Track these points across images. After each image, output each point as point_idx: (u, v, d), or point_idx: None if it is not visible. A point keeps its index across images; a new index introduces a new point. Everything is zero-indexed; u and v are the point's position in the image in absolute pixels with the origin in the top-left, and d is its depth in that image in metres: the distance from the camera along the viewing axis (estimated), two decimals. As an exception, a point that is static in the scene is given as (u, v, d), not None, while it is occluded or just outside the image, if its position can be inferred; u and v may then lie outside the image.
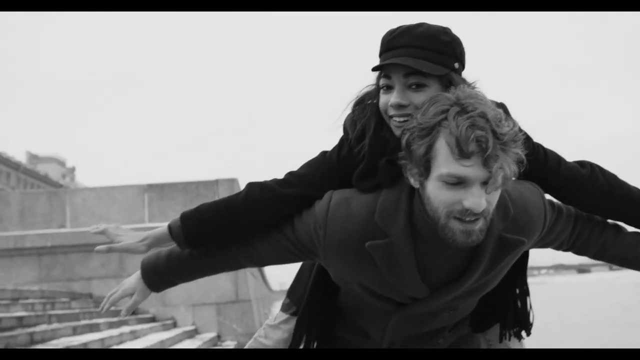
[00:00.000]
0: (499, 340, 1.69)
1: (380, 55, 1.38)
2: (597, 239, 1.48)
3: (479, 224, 1.20)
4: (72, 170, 71.09)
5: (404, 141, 1.23)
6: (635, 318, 15.11)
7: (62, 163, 67.39)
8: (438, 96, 1.21)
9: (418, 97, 1.29)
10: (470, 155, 1.12)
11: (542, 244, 1.46)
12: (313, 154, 1.52)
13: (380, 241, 1.30)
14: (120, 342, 6.18)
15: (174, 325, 9.13)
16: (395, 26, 1.37)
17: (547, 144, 1.48)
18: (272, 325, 1.92)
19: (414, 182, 1.25)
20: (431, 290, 1.38)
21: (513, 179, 1.25)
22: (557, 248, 1.51)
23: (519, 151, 1.19)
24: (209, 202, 1.57)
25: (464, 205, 1.16)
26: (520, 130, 1.26)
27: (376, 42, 1.39)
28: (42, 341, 4.96)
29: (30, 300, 6.52)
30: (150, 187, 9.76)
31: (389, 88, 1.34)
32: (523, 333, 1.69)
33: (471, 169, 1.14)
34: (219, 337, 9.17)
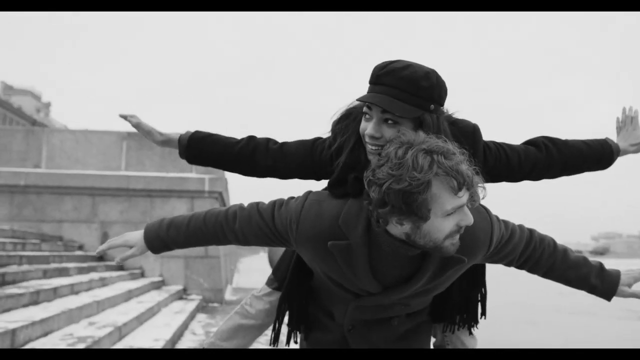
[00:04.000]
0: (451, 332, 1.97)
1: (370, 82, 1.55)
2: (546, 261, 1.68)
3: (458, 235, 1.42)
4: (48, 105, 69.42)
5: (384, 196, 1.34)
6: (571, 305, 15.68)
7: (37, 97, 65.76)
8: (414, 150, 1.34)
9: (390, 132, 1.49)
10: (463, 187, 1.33)
11: (491, 260, 1.66)
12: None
13: (341, 242, 1.52)
14: (89, 289, 6.27)
15: (142, 275, 9.23)
16: (388, 60, 1.53)
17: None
18: (256, 297, 2.23)
19: (400, 230, 1.40)
20: (384, 287, 1.59)
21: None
22: (508, 265, 1.70)
23: (477, 169, 1.41)
24: (218, 137, 1.85)
25: (460, 224, 1.38)
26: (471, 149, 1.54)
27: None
28: (13, 282, 5.02)
29: (1, 239, 6.54)
30: (130, 135, 9.72)
31: (369, 116, 1.53)
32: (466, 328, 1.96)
33: (464, 197, 1.35)
34: (185, 290, 9.31)
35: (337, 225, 1.52)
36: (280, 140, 1.85)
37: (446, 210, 1.34)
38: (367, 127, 1.52)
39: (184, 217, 1.75)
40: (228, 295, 10.77)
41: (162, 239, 1.73)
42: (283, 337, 2.00)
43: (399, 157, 1.33)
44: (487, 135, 1.75)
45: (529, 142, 1.83)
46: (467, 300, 1.92)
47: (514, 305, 16.49)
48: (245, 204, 1.70)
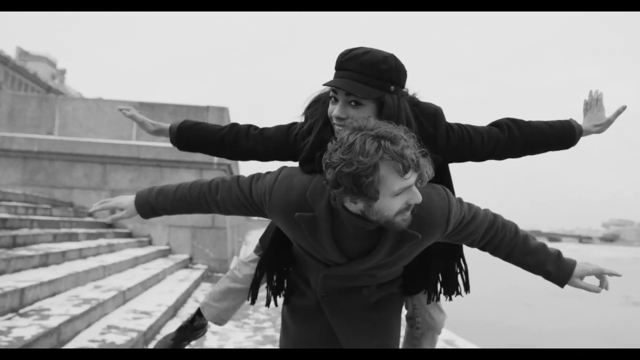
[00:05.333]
0: (426, 302, 2.13)
1: (335, 68, 1.68)
2: (507, 246, 1.78)
3: (409, 212, 1.54)
4: (63, 72, 69.61)
5: (336, 178, 1.45)
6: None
7: (52, 64, 65.97)
8: (362, 135, 1.44)
9: (355, 113, 1.63)
10: (409, 170, 1.43)
11: (453, 239, 1.76)
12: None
13: (307, 214, 1.64)
14: (97, 254, 6.47)
15: (149, 243, 9.45)
16: (350, 47, 1.67)
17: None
18: (244, 262, 2.45)
19: (355, 207, 1.52)
20: (348, 258, 1.72)
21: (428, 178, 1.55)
22: (470, 245, 1.81)
23: (425, 151, 1.51)
24: (204, 125, 2.03)
25: (409, 203, 1.50)
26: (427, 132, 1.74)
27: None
28: (24, 244, 5.22)
29: (14, 203, 6.74)
30: (142, 105, 9.84)
31: (335, 99, 1.66)
32: (446, 298, 2.09)
33: (412, 178, 1.46)
34: (191, 259, 9.52)
35: (305, 198, 1.65)
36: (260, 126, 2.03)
37: (394, 191, 1.45)
38: (334, 109, 1.66)
39: (172, 186, 1.90)
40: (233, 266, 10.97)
41: (150, 204, 1.89)
42: (263, 301, 2.14)
43: (349, 142, 1.43)
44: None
45: (492, 124, 1.94)
46: (446, 274, 2.05)
47: (512, 288, 16.66)
48: (227, 177, 1.85)
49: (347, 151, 1.42)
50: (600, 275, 1.76)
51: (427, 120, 1.78)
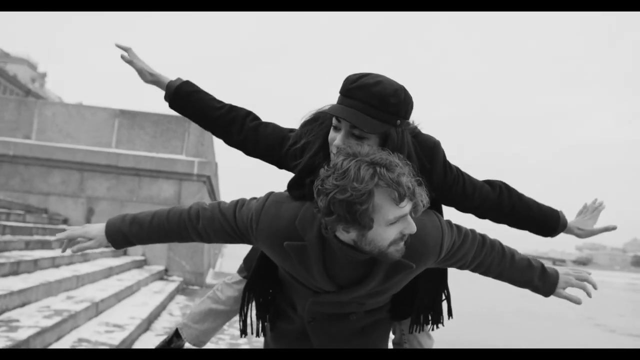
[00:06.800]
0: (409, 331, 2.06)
1: (340, 92, 1.60)
2: (497, 267, 1.78)
3: (403, 242, 1.49)
4: (43, 75, 68.78)
5: (329, 205, 1.40)
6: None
7: (33, 66, 65.18)
8: (357, 162, 1.39)
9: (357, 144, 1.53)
10: (404, 198, 1.39)
11: (443, 264, 1.74)
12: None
13: (297, 243, 1.59)
14: (70, 263, 6.32)
15: (124, 252, 9.27)
16: (359, 73, 1.59)
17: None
18: (227, 283, 2.38)
19: (347, 236, 1.47)
20: (339, 286, 1.66)
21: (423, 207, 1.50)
22: (460, 268, 1.79)
23: (421, 180, 1.48)
24: (202, 96, 1.93)
25: (404, 232, 1.45)
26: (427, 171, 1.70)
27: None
28: (-5, 251, 5.07)
29: (-14, 208, 6.57)
30: (122, 113, 9.71)
31: (338, 128, 1.59)
32: (431, 326, 2.04)
33: (407, 207, 1.41)
34: (166, 270, 9.36)
35: (294, 226, 1.59)
36: (260, 117, 1.93)
37: (389, 219, 1.40)
38: (336, 138, 1.58)
39: (147, 214, 1.79)
40: (209, 279, 10.83)
41: (124, 233, 1.77)
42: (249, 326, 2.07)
43: (343, 168, 1.38)
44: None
45: (487, 182, 1.93)
46: (433, 301, 2.00)
47: (484, 308, 16.90)
48: (206, 204, 1.77)
49: (341, 177, 1.38)
50: (581, 285, 1.81)
51: (424, 154, 1.74)
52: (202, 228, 1.73)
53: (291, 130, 1.85)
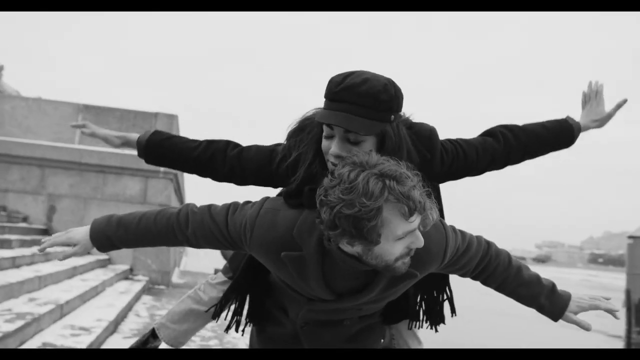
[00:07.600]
0: (405, 330, 2.01)
1: (326, 97, 1.50)
2: (500, 276, 1.70)
3: (409, 256, 1.42)
4: (0, 68, 66.88)
5: (334, 219, 1.31)
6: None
7: (-11, 59, 63.24)
8: (365, 174, 1.30)
9: (355, 150, 1.45)
10: (414, 213, 1.31)
11: (446, 270, 1.67)
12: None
13: (294, 253, 1.50)
14: (32, 263, 6.08)
15: (88, 252, 8.99)
16: (343, 73, 1.48)
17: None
18: (211, 284, 2.29)
19: (351, 249, 1.38)
20: (337, 295, 1.58)
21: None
22: (462, 275, 1.72)
23: (429, 191, 1.39)
24: (176, 140, 1.83)
25: (411, 247, 1.38)
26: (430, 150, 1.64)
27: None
28: (-49, 251, 4.83)
29: (-59, 205, 6.28)
30: (87, 108, 9.43)
31: (331, 136, 1.49)
32: (427, 326, 1.98)
33: (416, 221, 1.34)
34: (131, 270, 9.14)
35: (291, 235, 1.50)
36: (240, 144, 1.82)
37: (397, 235, 1.32)
38: (332, 147, 1.48)
39: (134, 216, 1.69)
40: (175, 278, 10.64)
41: (109, 237, 1.68)
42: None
43: (350, 181, 1.29)
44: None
45: (486, 133, 1.83)
46: (430, 304, 1.94)
47: (461, 308, 17.11)
48: (197, 207, 1.66)
49: (348, 191, 1.28)
50: (596, 310, 1.71)
51: (423, 145, 1.65)
52: (191, 233, 1.63)
53: (277, 144, 1.75)
